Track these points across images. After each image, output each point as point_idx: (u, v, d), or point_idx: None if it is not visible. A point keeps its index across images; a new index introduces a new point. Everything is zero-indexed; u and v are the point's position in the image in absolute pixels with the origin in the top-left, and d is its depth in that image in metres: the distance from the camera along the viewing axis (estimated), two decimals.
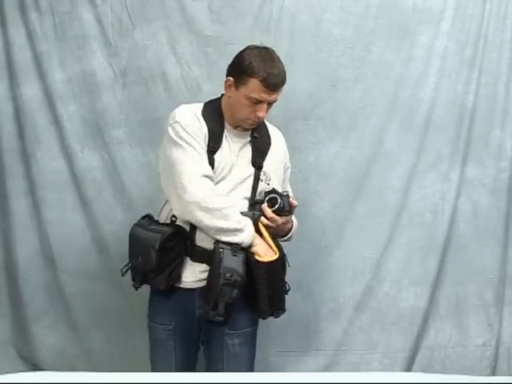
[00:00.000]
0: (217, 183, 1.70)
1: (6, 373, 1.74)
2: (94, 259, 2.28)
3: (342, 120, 2.25)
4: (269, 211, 1.70)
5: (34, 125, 2.24)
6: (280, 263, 1.71)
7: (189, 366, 1.84)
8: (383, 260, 2.29)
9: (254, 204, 1.73)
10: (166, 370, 1.78)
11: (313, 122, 2.25)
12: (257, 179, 1.74)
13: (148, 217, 1.80)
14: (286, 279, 1.77)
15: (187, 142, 1.67)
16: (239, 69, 1.69)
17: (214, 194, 1.67)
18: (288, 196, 1.73)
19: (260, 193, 1.74)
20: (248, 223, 1.68)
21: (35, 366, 2.31)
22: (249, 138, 1.78)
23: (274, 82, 1.66)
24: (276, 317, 1.75)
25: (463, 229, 2.30)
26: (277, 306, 1.73)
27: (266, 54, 1.70)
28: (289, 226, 1.79)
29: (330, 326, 2.31)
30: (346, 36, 2.22)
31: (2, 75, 2.23)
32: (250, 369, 1.83)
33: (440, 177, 2.28)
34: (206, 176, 1.66)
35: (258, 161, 1.76)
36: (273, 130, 1.87)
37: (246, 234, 1.66)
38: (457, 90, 2.26)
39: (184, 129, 1.67)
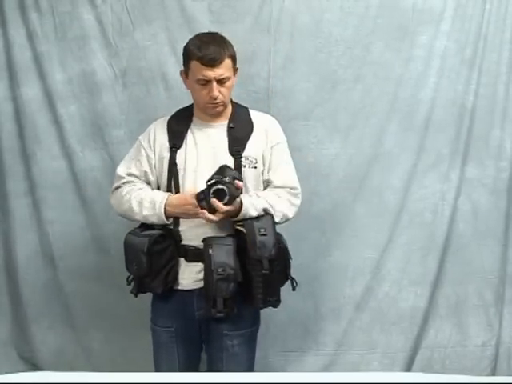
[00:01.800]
0: (187, 177, 1.74)
1: (6, 373, 1.73)
2: (93, 259, 2.29)
3: (341, 120, 2.25)
4: (221, 206, 1.62)
5: (34, 125, 2.25)
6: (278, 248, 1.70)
7: (192, 367, 1.85)
8: (383, 260, 2.29)
9: (202, 200, 1.64)
10: (169, 371, 1.79)
11: (313, 122, 2.25)
12: (238, 167, 1.74)
13: (144, 225, 1.81)
14: None
15: (132, 157, 1.83)
16: (184, 57, 1.75)
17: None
18: (234, 178, 1.64)
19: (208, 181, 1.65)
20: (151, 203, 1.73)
21: (35, 366, 2.31)
22: (225, 129, 1.78)
23: (210, 57, 1.67)
24: (272, 306, 1.73)
25: (463, 229, 2.30)
26: (271, 293, 1.70)
27: (204, 37, 1.74)
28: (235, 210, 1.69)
29: (329, 325, 2.31)
30: (345, 36, 2.22)
31: (2, 75, 2.23)
32: (250, 369, 1.83)
33: (440, 177, 2.28)
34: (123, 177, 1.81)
35: (235, 149, 1.75)
36: (258, 117, 1.84)
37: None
38: (457, 90, 2.25)
39: (137, 147, 1.83)
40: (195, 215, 1.67)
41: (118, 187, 1.82)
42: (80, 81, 2.24)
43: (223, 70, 1.69)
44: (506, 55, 2.24)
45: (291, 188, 1.81)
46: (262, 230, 1.66)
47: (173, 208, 1.71)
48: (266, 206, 1.72)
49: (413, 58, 2.23)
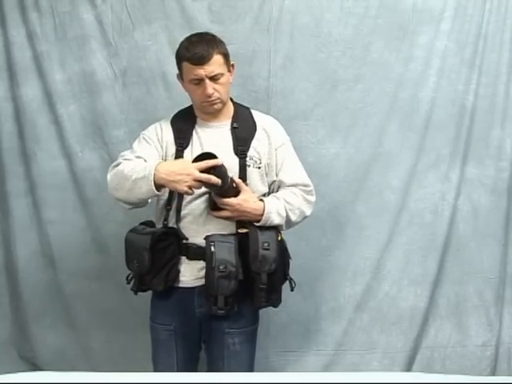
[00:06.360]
0: None
1: (6, 373, 1.73)
2: (93, 259, 2.29)
3: (341, 120, 2.25)
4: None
5: (34, 125, 2.25)
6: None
7: (190, 366, 1.85)
8: (383, 260, 2.29)
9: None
10: (167, 370, 1.79)
11: (313, 122, 2.25)
12: (243, 167, 1.74)
13: (145, 223, 1.82)
14: None
15: (137, 145, 1.80)
16: (176, 61, 1.75)
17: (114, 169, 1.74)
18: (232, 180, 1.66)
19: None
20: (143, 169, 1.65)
21: (35, 366, 2.31)
22: (228, 128, 1.79)
23: (198, 55, 1.67)
24: (273, 305, 1.75)
25: (463, 229, 2.30)
26: (273, 292, 1.71)
27: (193, 37, 1.74)
28: (255, 210, 1.71)
29: (330, 325, 2.31)
30: (345, 36, 2.22)
31: (2, 75, 2.23)
32: (251, 367, 1.83)
33: (440, 177, 2.28)
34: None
35: (239, 149, 1.75)
36: (260, 117, 1.84)
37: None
38: (457, 90, 2.25)
39: (141, 138, 1.80)
40: (186, 186, 1.61)
41: (118, 164, 1.74)
42: (80, 81, 2.24)
43: (214, 66, 1.69)
44: (506, 55, 2.24)
45: (304, 185, 1.83)
46: (266, 245, 1.67)
47: (164, 168, 1.63)
48: (285, 207, 1.74)
49: (413, 57, 2.24)
